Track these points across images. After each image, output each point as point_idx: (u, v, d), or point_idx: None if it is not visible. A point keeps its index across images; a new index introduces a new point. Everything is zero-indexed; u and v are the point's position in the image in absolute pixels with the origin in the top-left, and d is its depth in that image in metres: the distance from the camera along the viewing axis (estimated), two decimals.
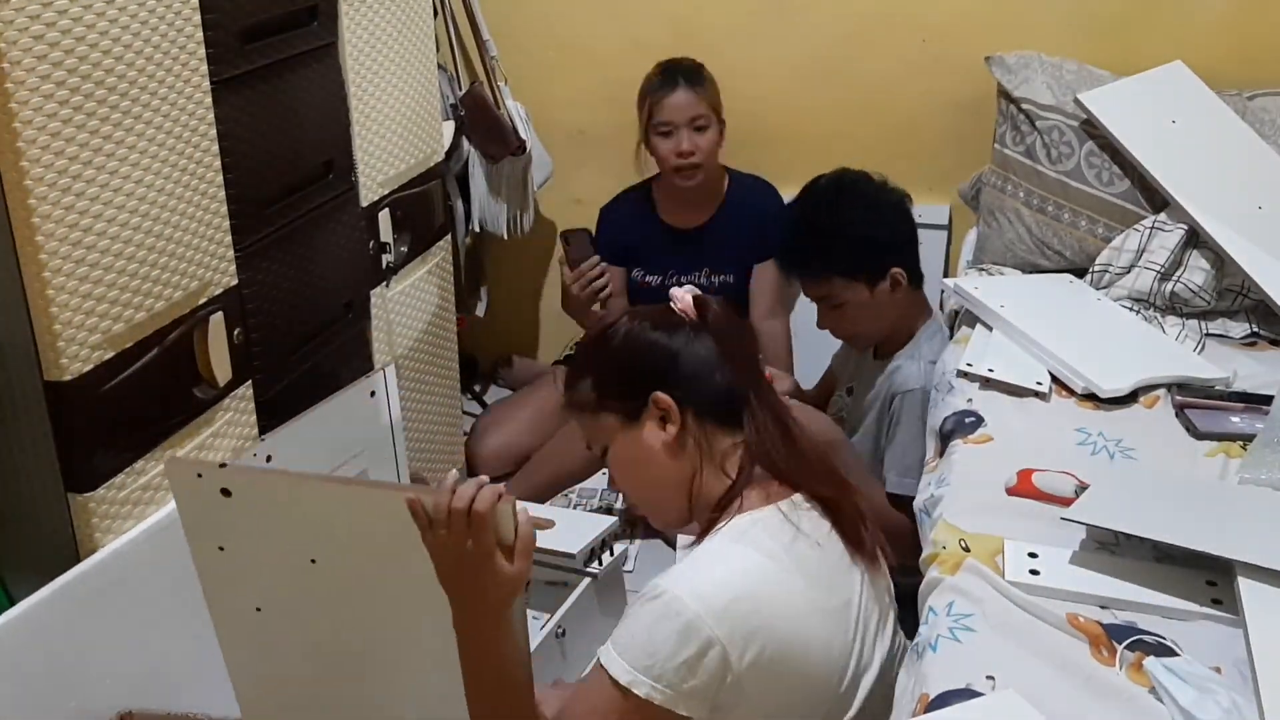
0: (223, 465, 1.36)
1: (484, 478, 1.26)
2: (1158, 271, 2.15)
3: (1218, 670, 1.22)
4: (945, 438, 1.80)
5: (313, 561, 1.35)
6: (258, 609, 1.42)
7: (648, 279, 2.78)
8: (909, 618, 1.45)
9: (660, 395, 1.37)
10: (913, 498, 1.86)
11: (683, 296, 1.44)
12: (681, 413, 1.37)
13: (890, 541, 1.52)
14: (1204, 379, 1.90)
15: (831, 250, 2.14)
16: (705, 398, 1.38)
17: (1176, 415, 1.80)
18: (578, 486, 2.66)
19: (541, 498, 2.51)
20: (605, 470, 2.57)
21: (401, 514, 1.24)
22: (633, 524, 2.52)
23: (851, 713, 1.33)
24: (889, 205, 2.20)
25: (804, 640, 1.28)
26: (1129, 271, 2.21)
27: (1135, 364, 1.92)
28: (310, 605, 1.39)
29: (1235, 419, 1.77)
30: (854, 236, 2.13)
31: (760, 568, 1.27)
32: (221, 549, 1.39)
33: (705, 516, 1.38)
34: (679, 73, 2.61)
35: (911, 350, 2.19)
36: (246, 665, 1.49)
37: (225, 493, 1.33)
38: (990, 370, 1.91)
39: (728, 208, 2.73)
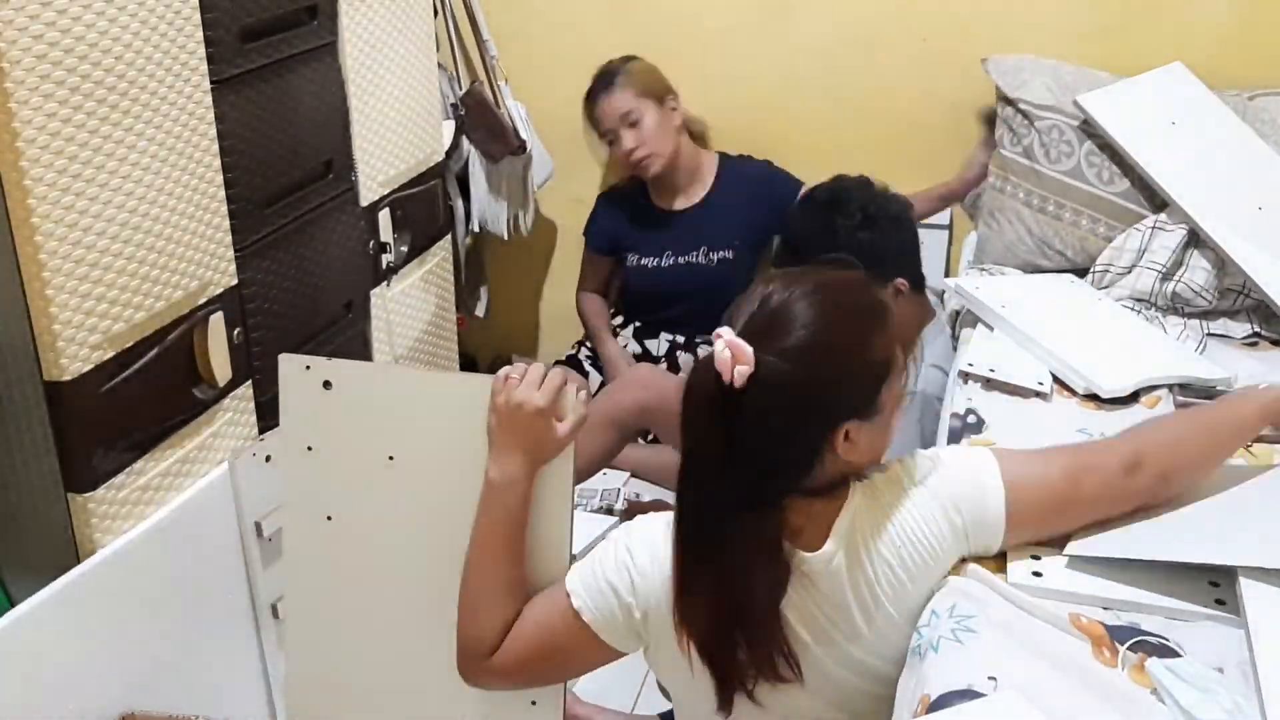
0: (330, 358, 1.48)
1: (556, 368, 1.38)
2: (1159, 271, 2.15)
3: (1220, 671, 1.22)
4: (949, 440, 1.79)
5: (390, 459, 1.46)
6: (329, 518, 1.50)
7: (643, 261, 2.80)
8: None
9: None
10: None
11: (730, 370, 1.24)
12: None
13: None
14: (1205, 379, 1.89)
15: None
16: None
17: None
18: (579, 486, 2.66)
19: None
20: (606, 471, 2.58)
21: (483, 400, 1.38)
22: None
23: None
24: (888, 218, 2.17)
25: None
26: (1130, 271, 2.20)
27: (1137, 364, 1.91)
28: (382, 507, 1.48)
29: None
30: (852, 253, 2.10)
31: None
32: (310, 449, 1.50)
33: None
34: (600, 79, 2.70)
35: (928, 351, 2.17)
36: (307, 580, 1.55)
37: (326, 385, 1.48)
38: (992, 371, 1.91)
39: (722, 185, 2.77)
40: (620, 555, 1.34)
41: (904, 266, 2.18)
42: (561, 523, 1.42)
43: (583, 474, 2.57)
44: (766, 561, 1.29)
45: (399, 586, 1.50)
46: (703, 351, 1.64)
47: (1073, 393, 1.86)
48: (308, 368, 1.49)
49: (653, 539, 1.34)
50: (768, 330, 1.25)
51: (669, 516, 1.34)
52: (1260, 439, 1.52)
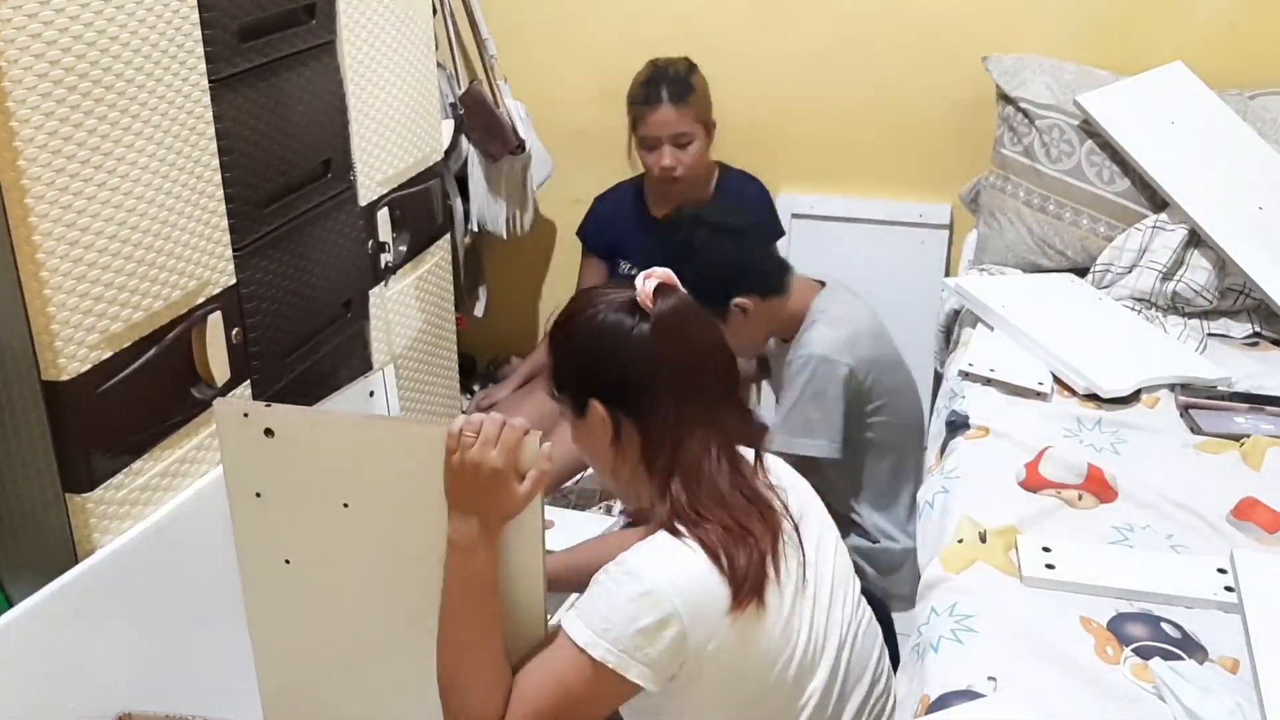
0: (269, 404, 1.40)
1: (518, 419, 1.32)
2: (1159, 271, 2.15)
3: (1235, 662, 1.22)
4: (948, 433, 1.80)
5: (345, 506, 1.38)
6: (286, 561, 1.45)
7: (633, 270, 2.78)
8: None
9: (595, 404, 1.36)
10: (806, 458, 1.94)
11: (643, 286, 1.36)
12: (617, 420, 1.36)
13: None
14: (1205, 379, 1.89)
15: None
16: (639, 404, 1.35)
17: (1180, 415, 1.80)
18: (578, 487, 2.65)
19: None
20: None
21: (437, 450, 1.30)
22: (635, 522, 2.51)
23: (817, 681, 1.34)
24: (717, 243, 2.07)
25: (757, 644, 1.29)
26: (1131, 271, 2.20)
27: (1137, 364, 1.91)
28: (340, 554, 1.42)
29: (1239, 419, 1.77)
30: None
31: (700, 558, 1.28)
32: (259, 495, 1.42)
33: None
34: (664, 83, 2.57)
35: (809, 321, 2.10)
36: (271, 623, 1.51)
37: (268, 433, 1.38)
38: (992, 370, 1.91)
39: (717, 201, 2.72)
40: (628, 587, 1.26)
41: (743, 282, 2.07)
42: (534, 582, 1.34)
43: (583, 467, 2.55)
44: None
45: (365, 629, 1.44)
46: None
47: (1073, 392, 1.86)
48: (245, 415, 1.39)
49: (647, 557, 1.29)
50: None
51: (649, 540, 1.32)
52: None
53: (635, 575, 1.26)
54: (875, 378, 2.05)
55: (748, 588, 1.28)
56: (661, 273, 1.38)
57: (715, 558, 1.28)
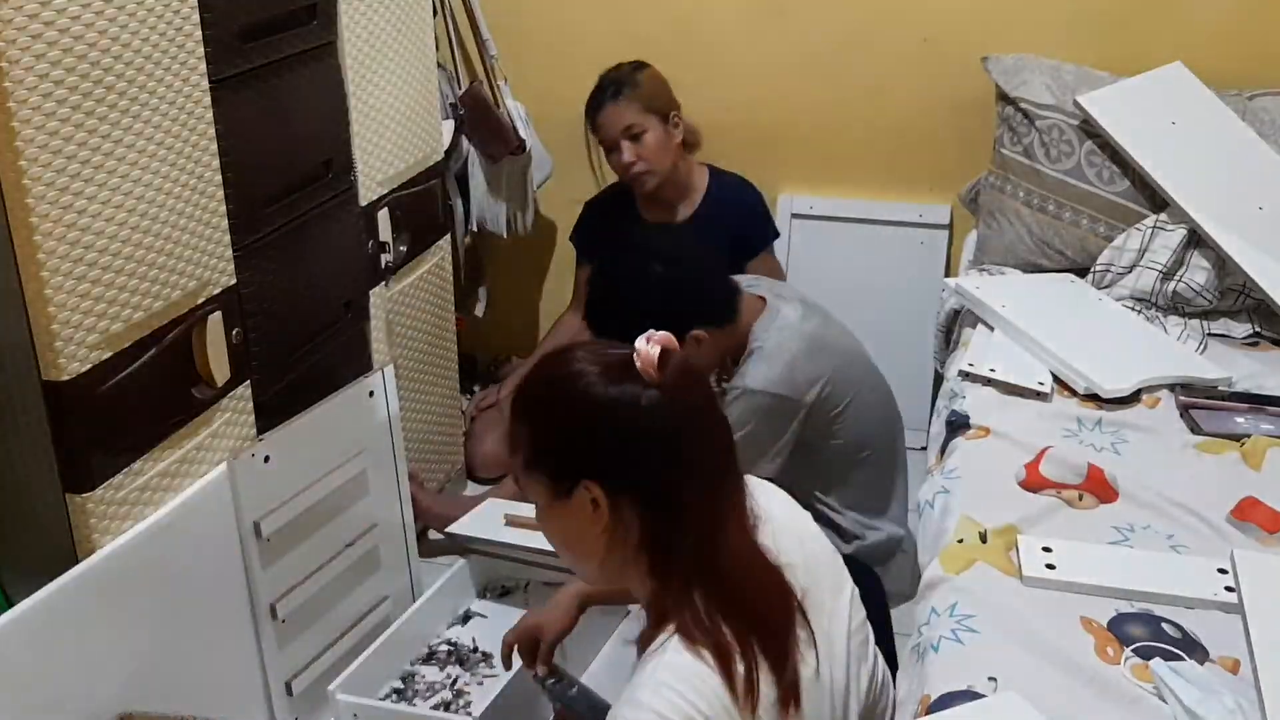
0: None
1: None
2: (1160, 271, 2.15)
3: (1235, 662, 1.22)
4: (948, 433, 1.79)
5: None
6: None
7: None
8: None
9: (590, 487, 1.20)
10: None
11: (646, 350, 1.20)
12: (615, 502, 1.21)
13: None
14: (1206, 379, 1.89)
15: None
16: (652, 484, 1.21)
17: (1181, 415, 1.80)
18: None
19: None
20: None
21: None
22: None
23: None
24: (673, 276, 1.96)
25: None
26: (1131, 271, 2.20)
27: (1137, 364, 1.91)
28: None
29: (1240, 419, 1.77)
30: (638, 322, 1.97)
31: (716, 679, 1.15)
32: None
33: (647, 612, 1.26)
34: (607, 85, 2.61)
35: (748, 351, 2.03)
36: None
37: None
38: (992, 371, 1.91)
39: (709, 204, 2.71)
40: None
41: (698, 310, 1.98)
42: None
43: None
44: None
45: None
46: None
47: (1073, 392, 1.86)
48: None
49: (663, 697, 1.15)
50: None
51: (659, 665, 1.18)
52: None
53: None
54: (829, 390, 2.00)
55: (768, 696, 1.16)
56: (661, 336, 1.22)
57: (729, 668, 1.15)
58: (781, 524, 1.30)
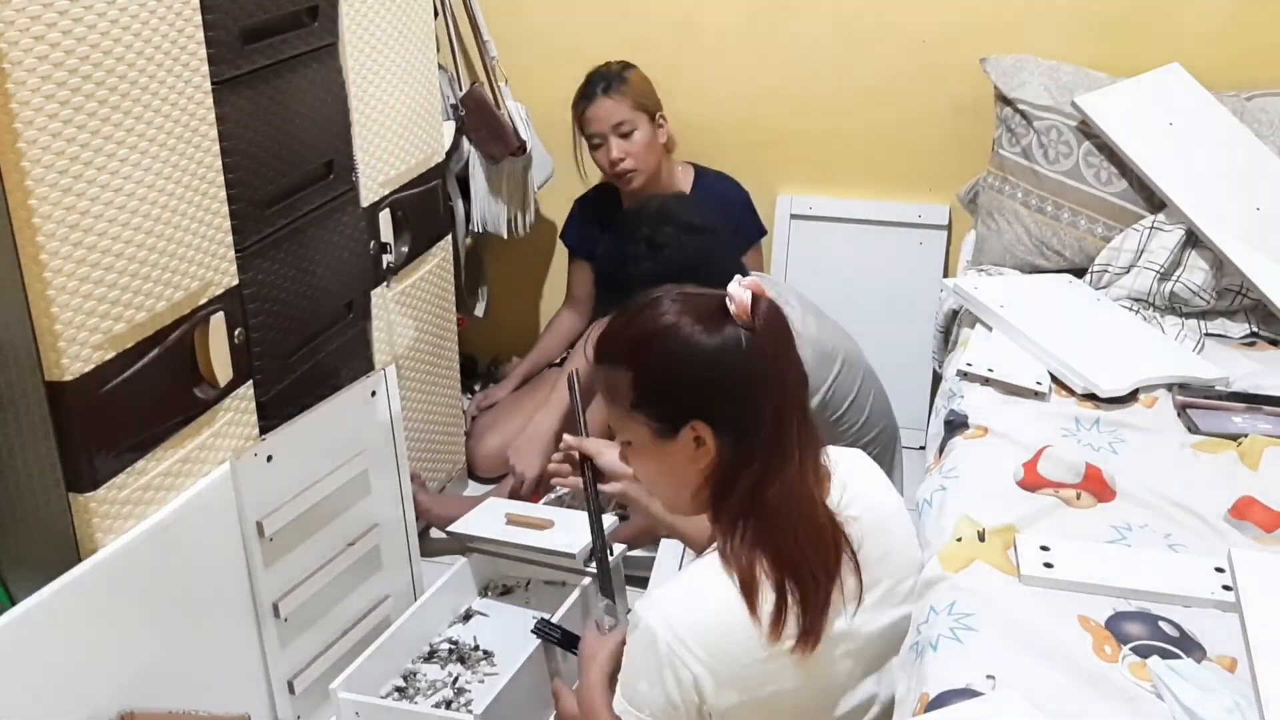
0: None
1: None
2: (1157, 271, 2.16)
3: (1233, 661, 1.23)
4: (946, 433, 1.80)
5: None
6: None
7: None
8: None
9: (699, 425, 1.30)
10: None
11: (741, 294, 1.29)
12: (718, 439, 1.31)
13: None
14: (1203, 379, 1.90)
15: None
16: (744, 424, 1.31)
17: (1178, 415, 1.80)
18: (571, 492, 2.64)
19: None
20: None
21: None
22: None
23: None
24: (682, 242, 2.03)
25: (776, 687, 1.30)
26: (1128, 271, 2.21)
27: (1135, 364, 1.92)
28: None
29: (1237, 419, 1.78)
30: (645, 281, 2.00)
31: (736, 603, 1.28)
32: None
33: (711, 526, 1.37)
34: (599, 80, 2.62)
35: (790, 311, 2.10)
36: None
37: None
38: (990, 370, 1.91)
39: (694, 200, 2.71)
40: (650, 653, 1.28)
41: (702, 281, 2.05)
42: None
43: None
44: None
45: None
46: None
47: (1071, 392, 1.87)
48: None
49: (671, 608, 1.30)
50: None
51: (684, 575, 1.34)
52: None
53: (654, 635, 1.27)
54: (833, 394, 2.06)
55: (790, 630, 1.28)
56: (750, 281, 1.31)
57: (751, 597, 1.27)
58: (857, 490, 1.39)
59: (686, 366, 1.31)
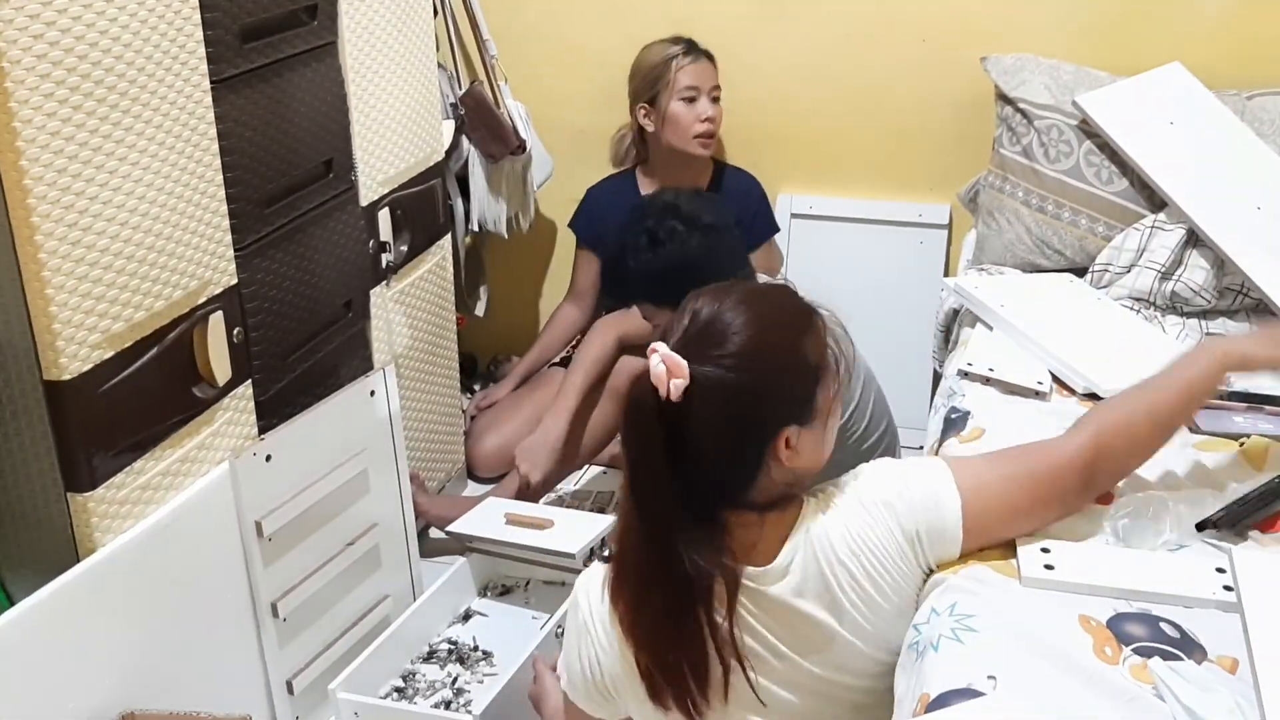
0: None
1: None
2: (1158, 271, 2.15)
3: (1234, 662, 1.23)
4: (945, 432, 1.79)
5: None
6: None
7: None
8: None
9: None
10: None
11: (655, 368, 1.26)
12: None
13: None
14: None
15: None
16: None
17: None
18: (572, 489, 2.65)
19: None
20: (606, 469, 2.57)
21: None
22: None
23: None
24: (687, 238, 1.98)
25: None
26: (1129, 271, 2.20)
27: (1136, 364, 1.91)
28: None
29: (1238, 418, 1.77)
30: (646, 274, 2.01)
31: None
32: None
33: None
34: (695, 45, 2.70)
35: None
36: None
37: None
38: (991, 370, 1.91)
39: (708, 197, 2.70)
40: (576, 618, 1.39)
41: (704, 279, 2.00)
42: None
43: (602, 444, 2.53)
44: (711, 578, 1.28)
45: None
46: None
47: (1072, 392, 1.86)
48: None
49: (593, 588, 1.38)
50: (701, 341, 1.26)
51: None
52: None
53: (575, 603, 1.39)
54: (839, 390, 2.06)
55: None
56: (668, 358, 1.29)
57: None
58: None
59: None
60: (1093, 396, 1.84)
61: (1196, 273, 2.14)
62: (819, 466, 1.35)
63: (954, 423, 1.80)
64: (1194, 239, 2.17)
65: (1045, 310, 2.09)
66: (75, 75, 1.45)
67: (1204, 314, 2.15)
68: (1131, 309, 2.15)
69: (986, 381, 1.90)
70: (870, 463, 1.39)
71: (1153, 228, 2.21)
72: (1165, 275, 2.15)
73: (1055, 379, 1.89)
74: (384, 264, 2.23)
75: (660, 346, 1.25)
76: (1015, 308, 2.07)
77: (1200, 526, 1.46)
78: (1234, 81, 2.43)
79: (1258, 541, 1.47)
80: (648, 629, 1.30)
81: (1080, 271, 2.31)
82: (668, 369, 1.22)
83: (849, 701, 1.36)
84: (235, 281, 1.79)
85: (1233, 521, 1.46)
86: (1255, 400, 1.83)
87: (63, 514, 1.56)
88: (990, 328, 2.07)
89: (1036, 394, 1.85)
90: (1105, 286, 2.23)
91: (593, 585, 1.38)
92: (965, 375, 1.92)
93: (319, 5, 1.95)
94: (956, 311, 2.32)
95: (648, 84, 2.70)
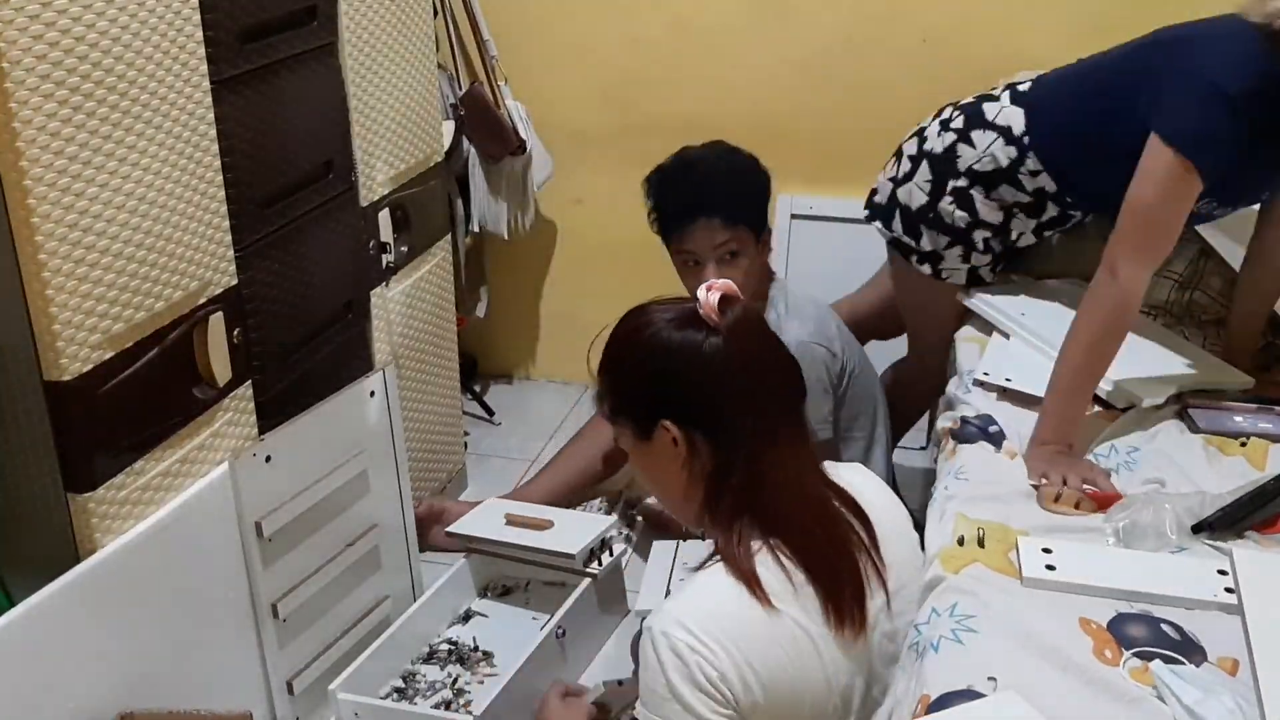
0: None
1: None
2: (1175, 280, 2.13)
3: (1234, 663, 1.23)
4: (962, 438, 1.77)
5: None
6: None
7: None
8: None
9: (667, 424, 1.32)
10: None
11: (707, 299, 1.32)
12: (690, 437, 1.32)
13: None
14: (1233, 384, 1.87)
15: (750, 200, 2.09)
16: (717, 421, 1.32)
17: (1179, 414, 1.79)
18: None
19: (561, 500, 2.45)
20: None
21: None
22: (630, 522, 2.51)
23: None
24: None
25: (792, 688, 1.28)
26: None
27: (1168, 372, 1.87)
28: None
29: (1237, 419, 1.77)
30: (760, 191, 2.11)
31: (750, 606, 1.26)
32: None
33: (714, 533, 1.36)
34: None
35: (771, 322, 2.09)
36: None
37: None
38: (1008, 380, 1.88)
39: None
40: (666, 653, 1.25)
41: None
42: None
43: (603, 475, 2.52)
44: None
45: None
46: None
47: (1092, 405, 1.82)
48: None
49: (684, 607, 1.28)
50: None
51: (692, 583, 1.31)
52: None
53: (663, 640, 1.25)
54: (846, 352, 2.09)
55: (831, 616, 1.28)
56: (723, 284, 1.34)
57: (755, 589, 1.26)
58: (867, 500, 1.40)
59: (650, 366, 1.35)
60: (1107, 405, 1.82)
61: (1214, 279, 2.12)
62: None
63: (968, 434, 1.77)
64: (1209, 246, 2.15)
65: (1066, 320, 2.04)
66: (75, 75, 1.45)
67: (1219, 322, 2.11)
68: (1149, 314, 2.12)
69: (1003, 392, 1.87)
70: None
71: None
72: (1184, 285, 2.13)
73: None
74: (384, 264, 2.23)
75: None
76: (1036, 317, 2.02)
77: (1196, 529, 1.46)
78: None
79: (1256, 542, 1.47)
80: (821, 542, 1.31)
81: (1084, 275, 2.27)
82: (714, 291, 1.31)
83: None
84: (235, 282, 1.79)
85: (1229, 523, 1.46)
86: (1264, 402, 1.83)
87: (63, 514, 1.56)
88: (1007, 336, 2.04)
89: None
90: None
91: (682, 613, 1.27)
92: (980, 385, 1.89)
93: (319, 6, 1.95)
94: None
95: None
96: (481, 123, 2.73)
